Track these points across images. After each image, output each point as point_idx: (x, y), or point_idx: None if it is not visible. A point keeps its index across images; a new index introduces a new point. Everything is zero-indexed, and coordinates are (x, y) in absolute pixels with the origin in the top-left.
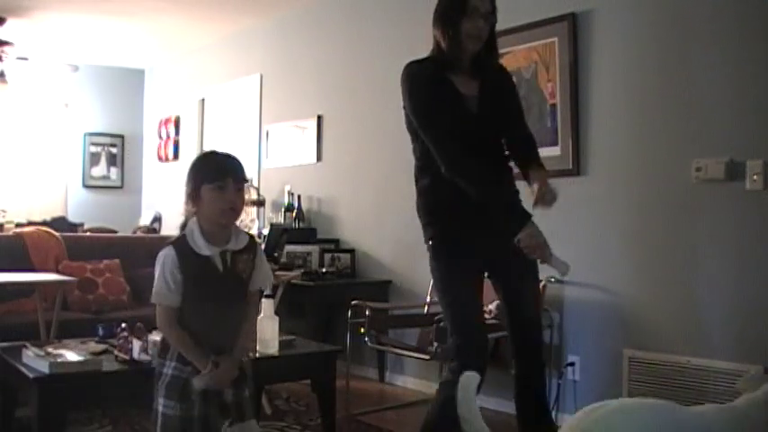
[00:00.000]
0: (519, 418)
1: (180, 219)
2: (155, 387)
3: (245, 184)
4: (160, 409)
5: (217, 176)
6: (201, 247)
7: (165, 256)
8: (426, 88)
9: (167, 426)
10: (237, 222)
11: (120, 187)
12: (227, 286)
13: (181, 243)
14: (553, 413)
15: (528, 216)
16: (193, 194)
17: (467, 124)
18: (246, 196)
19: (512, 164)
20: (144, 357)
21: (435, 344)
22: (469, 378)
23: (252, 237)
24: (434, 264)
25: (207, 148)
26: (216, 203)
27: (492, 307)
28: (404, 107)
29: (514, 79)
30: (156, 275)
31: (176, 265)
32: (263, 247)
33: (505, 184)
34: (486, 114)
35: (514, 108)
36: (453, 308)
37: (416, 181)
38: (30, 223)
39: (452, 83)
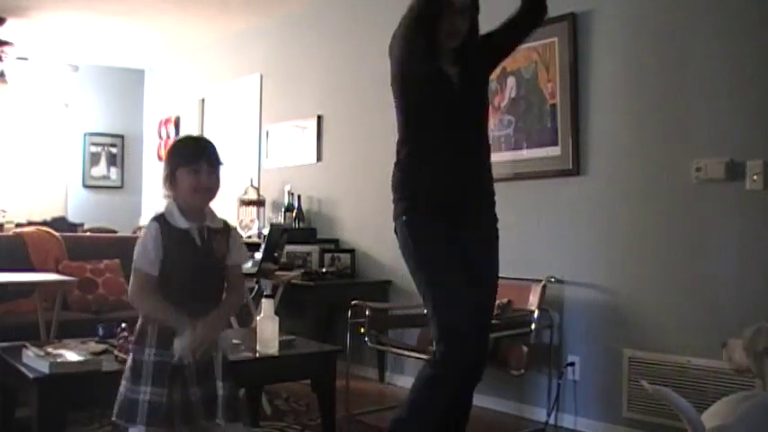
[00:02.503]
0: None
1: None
2: (128, 376)
3: (219, 167)
4: (146, 397)
5: (191, 160)
6: (179, 221)
7: (149, 228)
8: (416, 56)
9: (154, 413)
10: (212, 204)
11: (120, 187)
12: (204, 259)
13: (162, 218)
14: (553, 413)
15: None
16: (170, 177)
17: (451, 98)
18: (221, 178)
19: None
20: None
21: None
22: (662, 391)
23: (226, 221)
24: (411, 244)
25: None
26: (190, 185)
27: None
28: (392, 74)
29: (514, 79)
30: (138, 245)
31: (159, 235)
32: (263, 247)
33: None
34: (468, 91)
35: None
36: (438, 303)
37: (398, 153)
38: (30, 223)
39: (440, 62)
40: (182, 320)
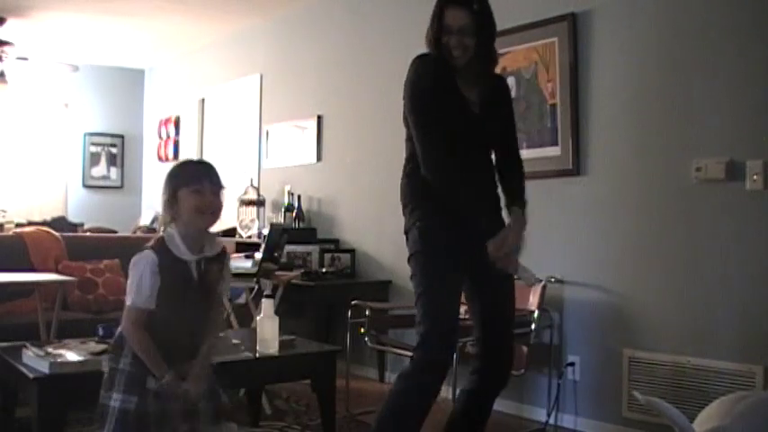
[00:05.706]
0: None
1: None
2: (104, 384)
3: (221, 190)
4: (116, 404)
5: (193, 180)
6: (183, 252)
7: (145, 260)
8: (430, 84)
9: (125, 421)
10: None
11: (120, 187)
12: (198, 293)
13: (160, 247)
14: (553, 413)
15: (501, 226)
16: (171, 200)
17: (468, 126)
18: (223, 201)
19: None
20: None
21: None
22: (653, 402)
23: (224, 246)
24: (419, 247)
25: (185, 157)
26: (194, 206)
27: None
28: (403, 98)
29: (514, 79)
30: (133, 278)
31: (156, 268)
32: (263, 247)
33: (486, 196)
34: (486, 119)
35: (510, 121)
36: (428, 295)
37: (405, 167)
38: (30, 223)
39: (456, 84)
40: (161, 368)
